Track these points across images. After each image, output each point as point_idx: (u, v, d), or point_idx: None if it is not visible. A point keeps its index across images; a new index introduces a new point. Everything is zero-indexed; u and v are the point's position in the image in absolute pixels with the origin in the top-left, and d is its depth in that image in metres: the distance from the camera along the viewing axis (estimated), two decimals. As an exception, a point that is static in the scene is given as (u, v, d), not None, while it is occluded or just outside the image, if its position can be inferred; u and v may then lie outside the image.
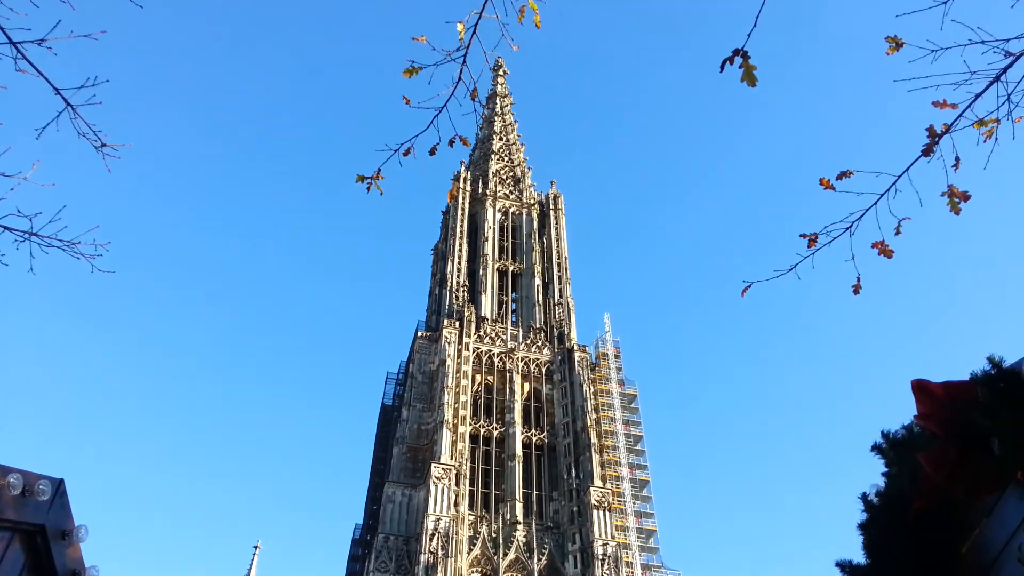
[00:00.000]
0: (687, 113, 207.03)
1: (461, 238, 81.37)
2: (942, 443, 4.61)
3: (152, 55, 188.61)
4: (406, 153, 6.67)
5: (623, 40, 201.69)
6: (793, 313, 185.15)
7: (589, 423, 67.62)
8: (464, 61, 6.11)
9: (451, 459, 63.20)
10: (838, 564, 5.70)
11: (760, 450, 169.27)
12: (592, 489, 62.66)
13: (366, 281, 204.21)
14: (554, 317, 76.44)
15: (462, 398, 68.02)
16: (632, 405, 71.75)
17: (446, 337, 71.30)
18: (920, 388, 4.80)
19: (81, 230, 7.92)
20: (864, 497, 5.38)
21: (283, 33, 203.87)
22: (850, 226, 6.24)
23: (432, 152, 6.74)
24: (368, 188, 6.97)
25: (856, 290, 6.62)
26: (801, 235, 6.45)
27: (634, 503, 64.85)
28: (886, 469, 5.48)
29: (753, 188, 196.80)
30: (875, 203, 6.11)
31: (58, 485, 8.59)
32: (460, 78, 6.17)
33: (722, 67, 5.42)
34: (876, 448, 5.53)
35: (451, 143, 6.71)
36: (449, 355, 69.75)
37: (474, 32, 6.10)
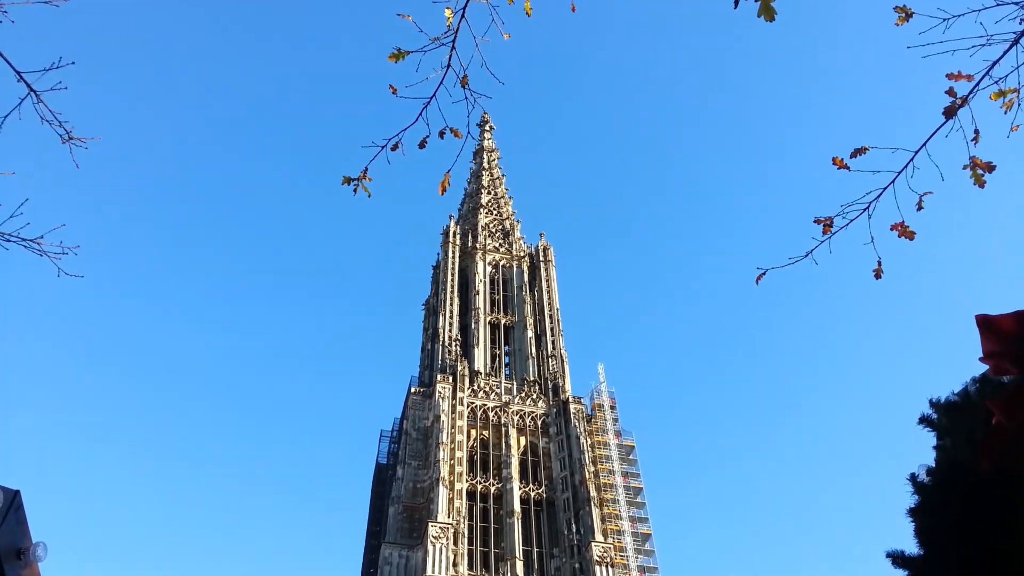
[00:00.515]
0: (676, 136, 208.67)
1: (452, 292, 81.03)
2: (1015, 385, 4.09)
3: (124, 40, 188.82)
4: (394, 148, 6.29)
5: (607, 56, 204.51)
6: (800, 313, 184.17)
7: (588, 476, 66.38)
8: (453, 46, 5.78)
9: (448, 517, 61.71)
10: (889, 555, 5.19)
11: (768, 483, 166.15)
12: (593, 544, 61.14)
13: (358, 338, 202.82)
14: (548, 369, 75.70)
15: (458, 454, 66.79)
16: (630, 456, 70.62)
17: (440, 392, 70.36)
18: (985, 323, 4.22)
19: (45, 228, 7.39)
20: (913, 478, 4.87)
21: (268, 21, 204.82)
22: (867, 207, 5.84)
23: (422, 145, 6.36)
24: (355, 190, 6.57)
25: (878, 274, 6.18)
26: (816, 220, 6.06)
27: (637, 558, 63.29)
28: (938, 442, 4.97)
29: (756, 199, 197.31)
30: (893, 181, 5.73)
31: (12, 497, 7.76)
32: (449, 64, 5.83)
33: (736, 1, 5.07)
34: (924, 420, 5.03)
35: (441, 134, 6.32)
36: (443, 410, 68.74)
37: (462, 16, 5.79)
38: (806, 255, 6.01)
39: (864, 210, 5.83)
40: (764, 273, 6.23)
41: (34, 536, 8.08)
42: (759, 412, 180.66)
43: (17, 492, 7.86)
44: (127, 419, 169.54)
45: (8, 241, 7.07)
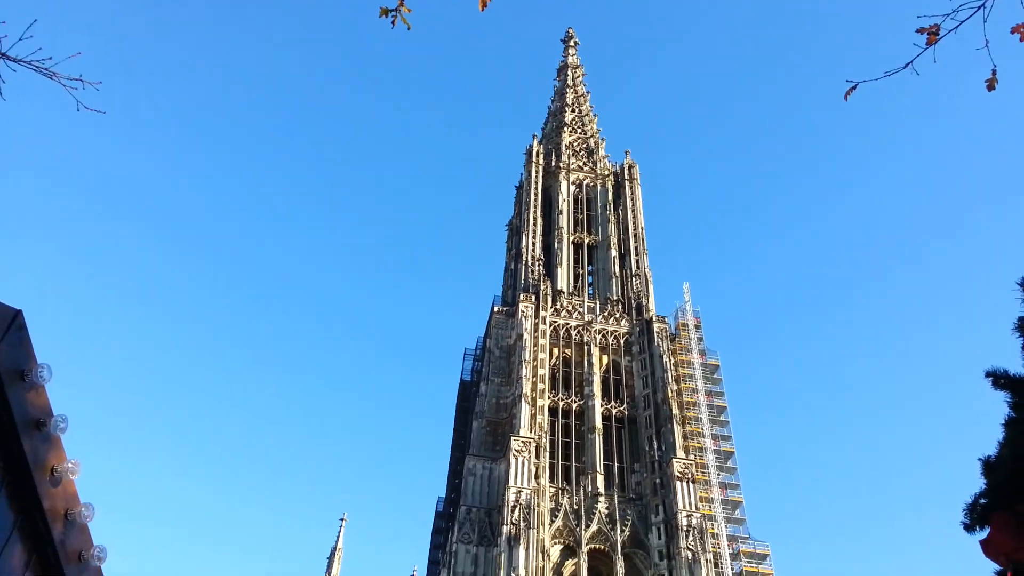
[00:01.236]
0: (767, 43, 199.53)
1: (535, 212, 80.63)
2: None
3: None
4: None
5: None
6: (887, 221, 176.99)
7: (670, 394, 66.20)
8: None
9: (530, 432, 62.77)
10: (989, 374, 4.88)
11: (856, 409, 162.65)
12: (675, 460, 61.29)
13: (444, 259, 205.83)
14: (631, 288, 75.05)
15: (540, 372, 67.47)
16: (715, 376, 69.90)
17: (523, 311, 70.80)
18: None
19: (60, 56, 7.02)
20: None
21: None
22: (982, 4, 5.15)
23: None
24: (393, 22, 6.25)
25: (991, 85, 5.51)
26: (919, 30, 5.42)
27: (718, 474, 63.18)
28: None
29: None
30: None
31: (13, 316, 7.44)
32: None
33: None
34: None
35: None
36: (526, 329, 69.26)
37: None
38: (905, 66, 5.39)
39: (978, 8, 5.15)
40: (855, 86, 5.65)
41: (40, 359, 7.84)
42: (867, 340, 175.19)
43: (19, 312, 7.58)
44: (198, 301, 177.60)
45: (17, 63, 6.84)
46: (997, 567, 7.30)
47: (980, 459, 7.76)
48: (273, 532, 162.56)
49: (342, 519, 59.51)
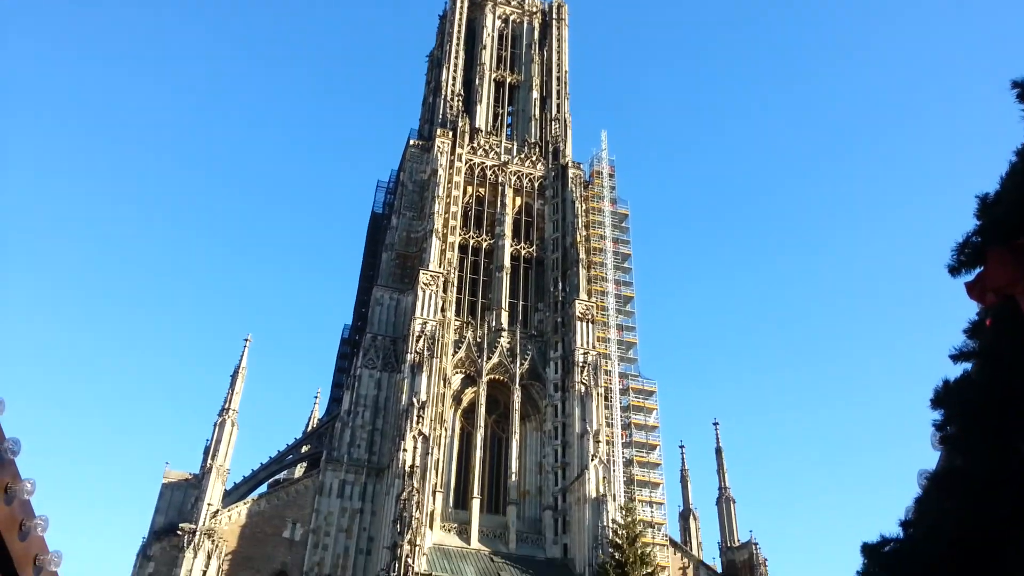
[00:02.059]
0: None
1: (458, 45, 78.20)
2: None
3: None
4: None
5: None
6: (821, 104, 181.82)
7: (579, 239, 67.86)
8: None
9: (439, 267, 63.70)
10: (1016, 84, 5.14)
11: (758, 274, 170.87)
12: (577, 302, 63.68)
13: (359, 86, 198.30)
14: (550, 132, 74.89)
15: (452, 208, 67.71)
16: (623, 224, 71.70)
17: (439, 147, 70.02)
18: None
19: None
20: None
21: None
22: None
23: None
24: None
25: None
26: None
27: (617, 317, 66.13)
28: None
29: None
30: None
31: None
32: None
33: None
34: None
35: None
36: (441, 165, 68.78)
37: None
38: None
39: None
40: None
41: None
42: (781, 202, 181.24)
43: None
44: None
45: None
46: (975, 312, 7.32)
47: (977, 196, 7.69)
48: (177, 348, 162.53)
49: (246, 339, 59.94)
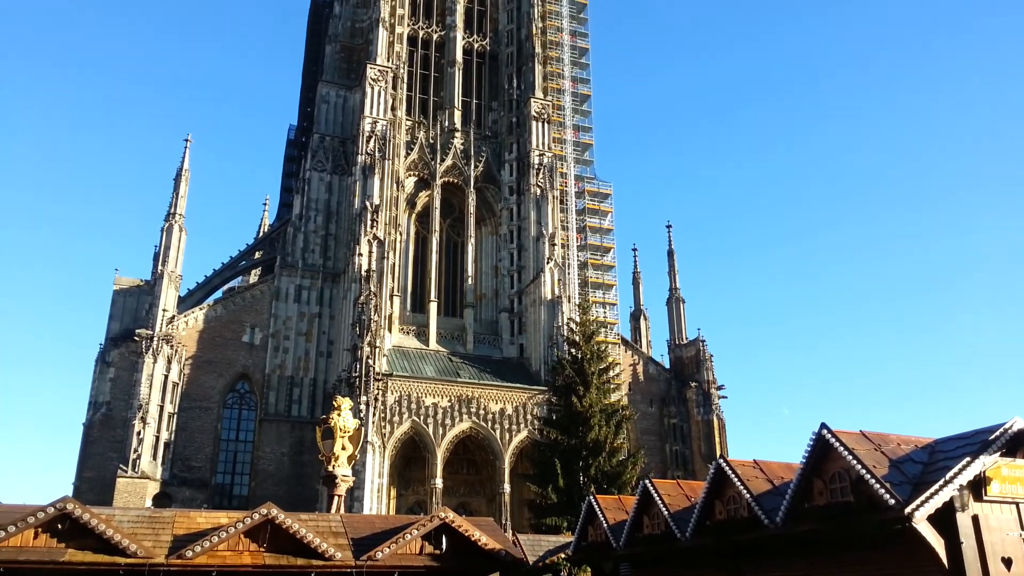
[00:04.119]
0: None
1: None
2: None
3: None
4: None
5: None
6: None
7: (535, 31, 64.09)
8: None
9: (388, 61, 60.02)
10: None
11: (720, 72, 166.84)
12: (533, 100, 61.27)
13: None
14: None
15: (400, -3, 62.74)
16: (581, 15, 67.70)
17: (381, -75, 63.52)
18: None
19: None
20: None
21: None
22: None
23: None
24: None
25: None
26: None
27: (573, 117, 64.15)
28: None
29: None
30: None
31: None
32: None
33: None
34: None
35: None
36: (385, -55, 62.76)
37: None
38: None
39: None
40: None
41: None
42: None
43: None
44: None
45: None
46: None
47: None
48: (111, 152, 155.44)
49: (187, 140, 56.77)
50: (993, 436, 11.75)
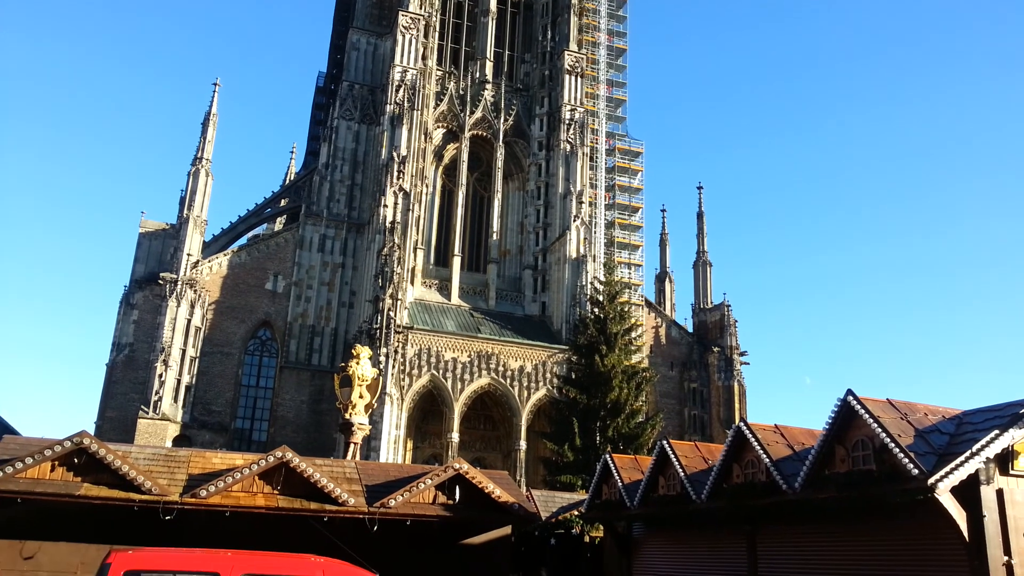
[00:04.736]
0: None
1: None
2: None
3: None
4: None
5: None
6: None
7: (571, -20, 62.57)
8: None
9: (420, 9, 58.99)
10: None
11: (762, 34, 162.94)
12: (566, 53, 60.11)
13: None
14: None
15: (434, -57, 61.42)
16: (619, -33, 65.86)
17: None
18: None
19: None
20: None
21: None
22: None
23: None
24: None
25: None
26: None
27: (607, 71, 62.84)
28: None
29: None
30: None
31: None
32: None
33: None
34: None
35: None
36: None
37: None
38: None
39: None
40: None
41: None
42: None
43: None
44: None
45: None
46: None
47: None
48: (140, 98, 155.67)
49: (215, 83, 56.40)
50: (1024, 410, 11.39)
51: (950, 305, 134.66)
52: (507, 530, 17.87)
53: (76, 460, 15.01)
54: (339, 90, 61.29)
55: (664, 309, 63.21)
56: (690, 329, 61.10)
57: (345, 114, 59.39)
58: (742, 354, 58.36)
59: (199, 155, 54.89)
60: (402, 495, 16.37)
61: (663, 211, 71.67)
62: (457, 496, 16.94)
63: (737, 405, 56.61)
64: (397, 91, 55.49)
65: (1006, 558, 10.95)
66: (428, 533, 16.73)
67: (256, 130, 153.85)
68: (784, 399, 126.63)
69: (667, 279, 66.33)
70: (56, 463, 14.97)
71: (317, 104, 74.71)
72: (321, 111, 71.95)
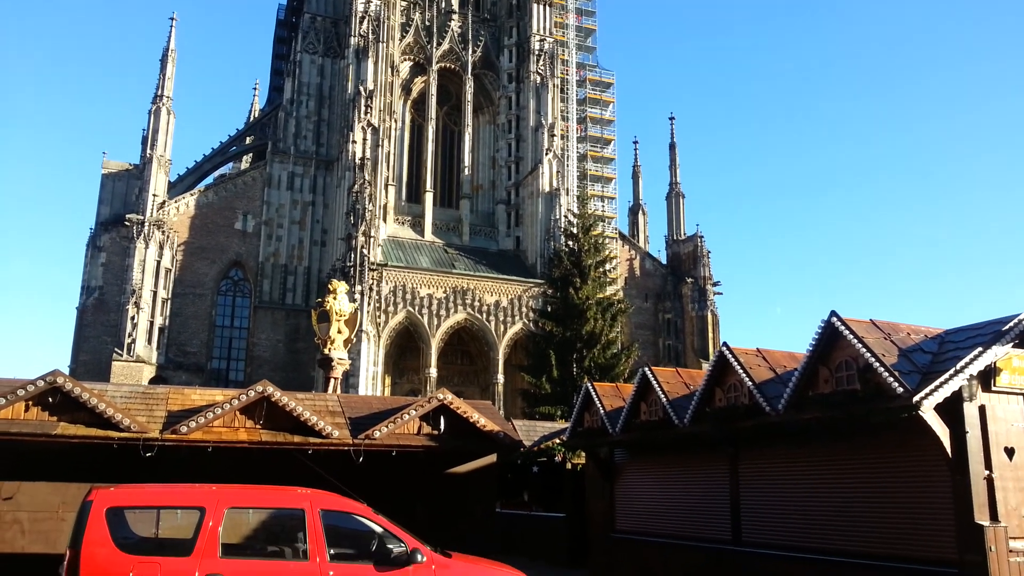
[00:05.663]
0: None
1: None
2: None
3: None
4: None
5: None
6: None
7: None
8: None
9: (383, -64, 56.92)
10: None
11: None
12: (534, -20, 58.55)
13: None
14: None
15: None
16: None
17: None
18: None
19: None
20: None
21: None
22: None
23: None
24: None
25: None
26: None
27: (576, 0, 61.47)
28: None
29: None
30: None
31: None
32: None
33: None
34: None
35: None
36: None
37: None
38: None
39: None
40: None
41: None
42: None
43: None
44: None
45: None
46: None
47: None
48: (94, 35, 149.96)
49: (172, 18, 54.38)
50: (1007, 327, 11.46)
51: (930, 224, 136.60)
52: (493, 458, 17.95)
53: (51, 399, 14.66)
54: (301, 23, 59.43)
55: (638, 241, 63.27)
56: (664, 261, 61.34)
57: (308, 48, 57.72)
58: (715, 284, 58.84)
59: (159, 93, 53.18)
60: (387, 426, 16.29)
61: (635, 143, 71.62)
62: (442, 426, 16.92)
63: (711, 335, 57.27)
64: (361, 23, 53.91)
65: (987, 472, 11.14)
66: (414, 464, 16.74)
67: (217, 66, 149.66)
68: (757, 329, 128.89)
69: (640, 211, 66.25)
70: (30, 403, 14.62)
71: (279, 38, 72.47)
72: (284, 45, 69.85)
